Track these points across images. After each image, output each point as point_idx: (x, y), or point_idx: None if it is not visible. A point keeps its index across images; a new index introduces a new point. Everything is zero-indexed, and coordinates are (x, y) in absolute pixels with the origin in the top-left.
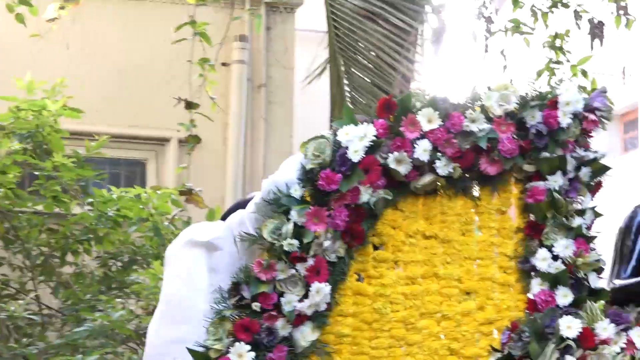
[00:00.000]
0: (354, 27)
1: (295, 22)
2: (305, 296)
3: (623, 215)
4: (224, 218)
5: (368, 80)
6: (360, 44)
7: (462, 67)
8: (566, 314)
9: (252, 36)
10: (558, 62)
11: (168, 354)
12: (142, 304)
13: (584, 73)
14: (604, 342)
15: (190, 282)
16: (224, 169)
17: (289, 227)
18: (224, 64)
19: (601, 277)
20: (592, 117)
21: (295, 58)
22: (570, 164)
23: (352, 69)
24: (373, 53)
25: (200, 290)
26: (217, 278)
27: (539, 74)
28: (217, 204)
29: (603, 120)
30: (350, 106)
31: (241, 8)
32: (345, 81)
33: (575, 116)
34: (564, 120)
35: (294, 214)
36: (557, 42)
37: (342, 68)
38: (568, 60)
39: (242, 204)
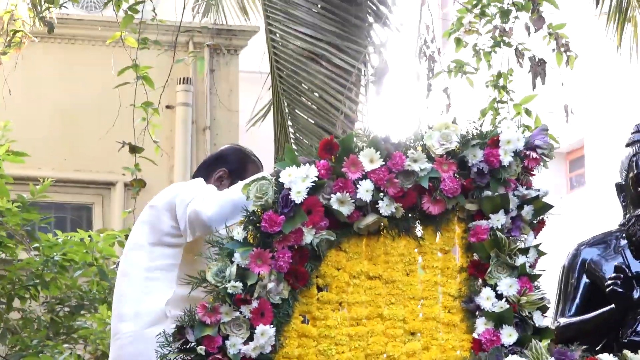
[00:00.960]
0: (297, 69)
1: (239, 64)
2: (250, 338)
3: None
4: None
5: (312, 121)
6: (303, 85)
7: (404, 107)
8: (511, 353)
9: (196, 79)
10: (502, 102)
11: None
12: (90, 349)
13: (528, 112)
14: None
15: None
16: None
17: (232, 270)
18: (168, 107)
19: (546, 316)
20: (533, 155)
21: (239, 100)
22: (513, 203)
23: (296, 110)
24: (316, 94)
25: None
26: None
27: (483, 113)
28: None
29: (545, 158)
30: (294, 147)
31: (184, 51)
32: (289, 122)
33: (517, 154)
34: (505, 158)
35: (237, 256)
36: (501, 82)
37: (286, 109)
38: (512, 99)
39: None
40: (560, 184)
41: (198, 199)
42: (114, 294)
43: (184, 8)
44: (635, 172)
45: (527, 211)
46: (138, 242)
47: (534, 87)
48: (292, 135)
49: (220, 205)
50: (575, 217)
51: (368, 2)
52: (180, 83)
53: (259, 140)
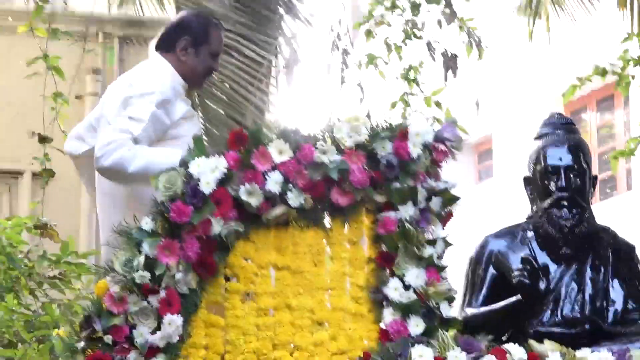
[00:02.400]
0: None
1: (149, 54)
2: (158, 328)
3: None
4: None
5: (222, 111)
6: (214, 75)
7: (316, 99)
8: (418, 343)
9: (105, 69)
10: (412, 94)
11: None
12: None
13: (438, 104)
14: None
15: None
16: (78, 202)
17: (140, 260)
18: (77, 97)
19: (452, 306)
20: (442, 147)
21: None
22: (421, 194)
23: (206, 101)
24: (227, 85)
25: None
26: None
27: (393, 105)
28: (71, 236)
29: (453, 150)
30: (205, 138)
31: (94, 41)
32: (200, 113)
33: (425, 147)
34: (414, 151)
35: (145, 247)
36: (411, 74)
37: (197, 100)
38: (422, 92)
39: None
40: (469, 175)
41: (133, 147)
42: None
43: None
44: (543, 165)
45: (436, 203)
46: None
47: (445, 80)
48: (202, 126)
49: (146, 168)
50: (483, 208)
51: None
52: (89, 73)
53: None
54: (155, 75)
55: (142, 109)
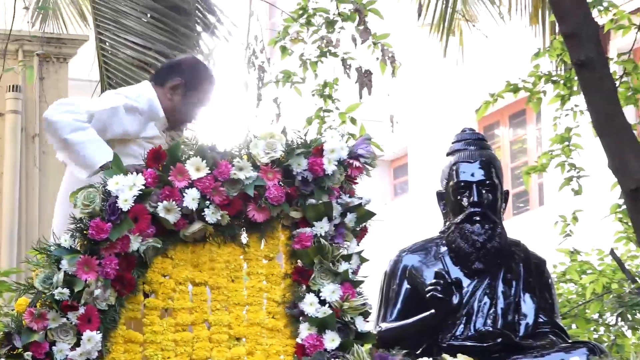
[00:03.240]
0: (127, 77)
1: (69, 72)
2: (77, 344)
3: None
4: None
5: None
6: None
7: (233, 115)
8: (334, 358)
9: (25, 86)
10: (327, 110)
11: None
12: None
13: (353, 120)
14: None
15: None
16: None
17: (59, 276)
18: None
19: (368, 321)
20: (356, 163)
21: None
22: (336, 210)
23: None
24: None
25: None
26: None
27: (309, 122)
28: None
29: (368, 166)
30: None
31: (14, 59)
32: None
33: (340, 163)
34: (329, 167)
35: (64, 263)
36: (327, 91)
37: None
38: (337, 108)
39: None
40: (384, 191)
41: (85, 123)
42: None
43: (13, 17)
44: (455, 180)
45: (350, 219)
46: None
47: (360, 97)
48: None
49: (79, 146)
50: (399, 223)
51: (197, 12)
52: (9, 90)
53: None
54: (139, 89)
55: (109, 99)
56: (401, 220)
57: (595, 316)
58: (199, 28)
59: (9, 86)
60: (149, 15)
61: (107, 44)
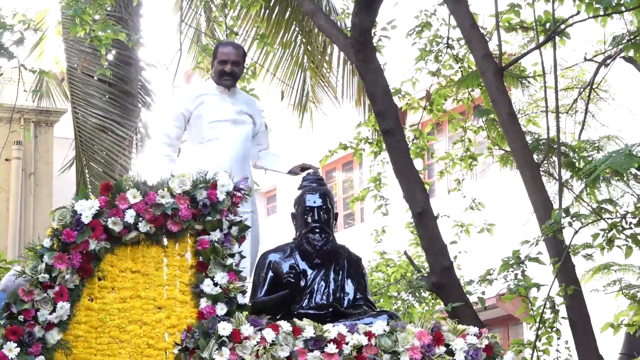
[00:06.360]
0: (92, 136)
1: (54, 132)
2: (54, 310)
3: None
4: None
5: (101, 170)
6: (96, 147)
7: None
8: (223, 320)
9: (25, 141)
10: None
11: None
12: None
13: None
14: (246, 338)
15: None
16: (7, 229)
17: (42, 266)
18: (7, 160)
19: (245, 297)
20: (238, 194)
21: (54, 155)
22: (225, 224)
23: (91, 163)
24: (104, 153)
25: None
26: None
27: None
28: (2, 250)
29: (246, 196)
30: (89, 187)
31: (18, 124)
32: (86, 171)
33: (228, 194)
34: (221, 196)
35: (46, 257)
36: None
37: (84, 162)
38: None
39: None
40: (260, 212)
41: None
42: None
43: (17, 96)
44: (303, 206)
45: (234, 230)
46: None
47: None
48: (88, 180)
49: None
50: (270, 233)
51: (139, 94)
52: (14, 144)
53: (66, 183)
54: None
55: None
56: (272, 231)
57: (395, 294)
58: (140, 105)
59: (15, 141)
60: (107, 96)
61: (79, 114)
